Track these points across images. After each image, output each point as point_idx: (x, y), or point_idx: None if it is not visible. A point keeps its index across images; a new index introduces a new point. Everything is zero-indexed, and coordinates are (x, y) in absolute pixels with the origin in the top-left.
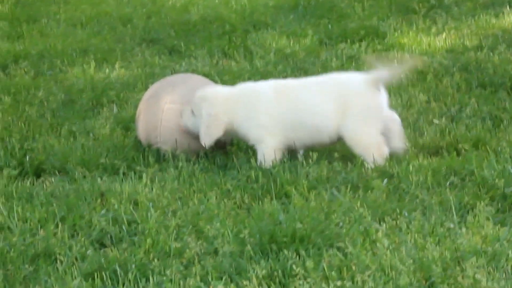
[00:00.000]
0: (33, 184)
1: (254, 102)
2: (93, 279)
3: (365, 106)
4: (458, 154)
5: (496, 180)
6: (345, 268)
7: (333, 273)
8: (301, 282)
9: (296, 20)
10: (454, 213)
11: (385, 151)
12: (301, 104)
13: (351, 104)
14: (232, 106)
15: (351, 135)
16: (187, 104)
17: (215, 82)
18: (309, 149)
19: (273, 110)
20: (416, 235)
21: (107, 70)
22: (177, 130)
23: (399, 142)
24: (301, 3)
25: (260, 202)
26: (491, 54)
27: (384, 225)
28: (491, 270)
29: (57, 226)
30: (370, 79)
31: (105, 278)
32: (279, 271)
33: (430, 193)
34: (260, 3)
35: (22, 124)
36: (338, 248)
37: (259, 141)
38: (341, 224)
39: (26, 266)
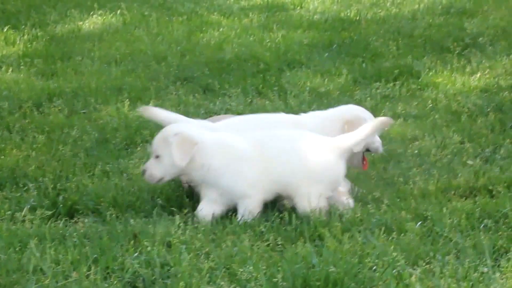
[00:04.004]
0: (66, 226)
1: None
2: None
3: None
4: (492, 196)
5: None
6: None
7: None
8: None
9: (331, 58)
10: (488, 256)
11: None
12: None
13: None
14: None
15: None
16: None
17: None
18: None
19: None
20: (449, 280)
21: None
22: None
23: None
24: (335, 42)
25: (293, 245)
26: None
27: (418, 269)
28: None
29: (89, 268)
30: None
31: None
32: None
33: (464, 236)
34: (294, 42)
35: (56, 163)
36: None
37: None
38: (374, 267)
39: None
